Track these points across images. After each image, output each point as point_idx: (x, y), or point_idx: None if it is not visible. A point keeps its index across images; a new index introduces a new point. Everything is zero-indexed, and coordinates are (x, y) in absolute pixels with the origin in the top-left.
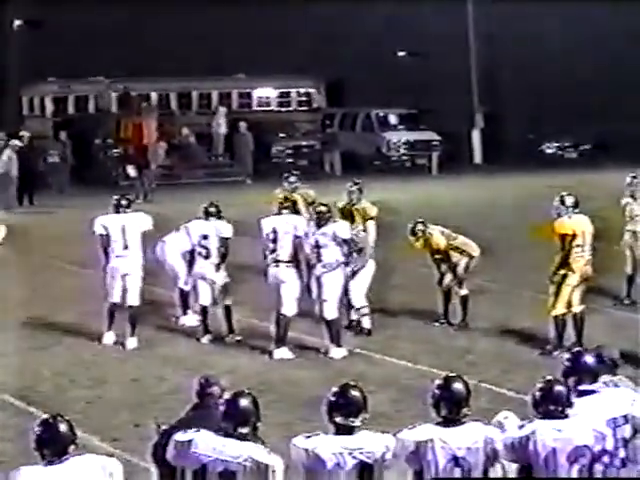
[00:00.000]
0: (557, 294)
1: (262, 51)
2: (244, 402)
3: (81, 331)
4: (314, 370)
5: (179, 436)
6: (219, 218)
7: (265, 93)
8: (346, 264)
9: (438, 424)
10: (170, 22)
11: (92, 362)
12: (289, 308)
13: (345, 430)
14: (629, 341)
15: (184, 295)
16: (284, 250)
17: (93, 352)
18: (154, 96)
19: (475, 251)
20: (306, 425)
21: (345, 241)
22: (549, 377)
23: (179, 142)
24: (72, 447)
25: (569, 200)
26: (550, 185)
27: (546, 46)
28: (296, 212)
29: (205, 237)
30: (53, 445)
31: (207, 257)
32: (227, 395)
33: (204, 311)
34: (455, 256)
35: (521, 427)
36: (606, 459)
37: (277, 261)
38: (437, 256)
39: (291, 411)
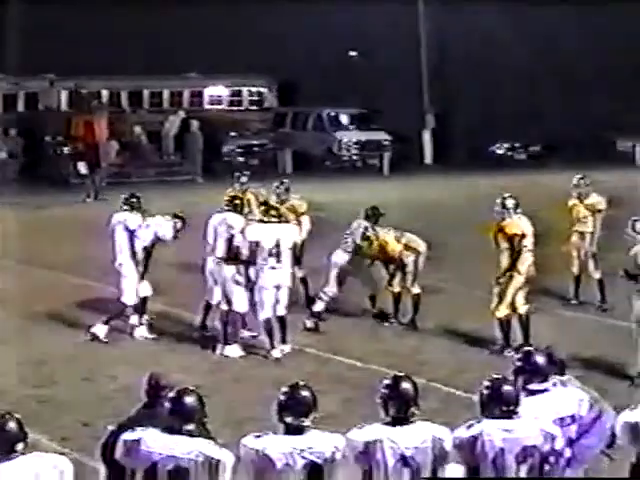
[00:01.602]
0: (501, 295)
1: (214, 50)
2: (188, 399)
3: (30, 330)
4: (265, 369)
5: (127, 435)
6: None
7: (216, 92)
8: (249, 266)
9: (387, 424)
10: (121, 20)
11: (42, 361)
12: (239, 305)
13: (295, 430)
14: (578, 341)
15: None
16: (220, 248)
17: (43, 351)
18: (105, 94)
19: (422, 247)
20: (257, 424)
21: (256, 243)
22: (496, 376)
23: (130, 140)
24: (21, 445)
25: (511, 202)
26: (500, 186)
27: (497, 47)
28: (241, 211)
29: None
30: (1, 443)
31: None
32: (171, 393)
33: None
34: (405, 254)
35: (469, 427)
36: (553, 459)
37: (217, 258)
38: (387, 258)
39: (242, 410)
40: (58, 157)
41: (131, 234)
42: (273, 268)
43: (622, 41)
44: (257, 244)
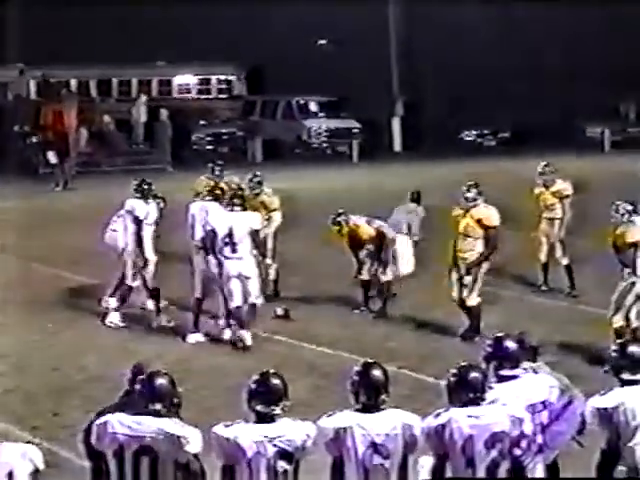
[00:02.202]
0: (474, 284)
1: (182, 38)
2: (158, 380)
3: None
4: (237, 357)
5: (98, 420)
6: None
7: (185, 80)
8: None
9: (357, 411)
10: (89, 8)
11: (12, 351)
12: (198, 291)
13: (266, 418)
14: (549, 327)
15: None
16: (197, 236)
17: (13, 341)
18: (74, 83)
19: (391, 234)
20: (230, 412)
21: (212, 231)
22: (463, 363)
23: (99, 129)
24: None
25: (478, 189)
26: (470, 172)
27: (466, 35)
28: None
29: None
30: None
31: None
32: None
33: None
34: (376, 242)
35: (437, 416)
36: (524, 444)
37: (195, 246)
38: (356, 243)
39: (214, 397)
40: (27, 147)
41: (139, 222)
42: (228, 258)
43: (591, 29)
44: (214, 232)
